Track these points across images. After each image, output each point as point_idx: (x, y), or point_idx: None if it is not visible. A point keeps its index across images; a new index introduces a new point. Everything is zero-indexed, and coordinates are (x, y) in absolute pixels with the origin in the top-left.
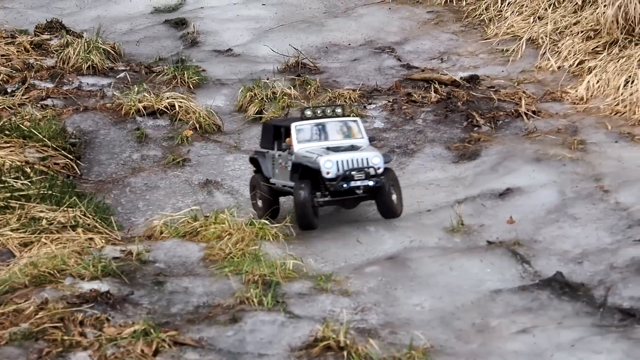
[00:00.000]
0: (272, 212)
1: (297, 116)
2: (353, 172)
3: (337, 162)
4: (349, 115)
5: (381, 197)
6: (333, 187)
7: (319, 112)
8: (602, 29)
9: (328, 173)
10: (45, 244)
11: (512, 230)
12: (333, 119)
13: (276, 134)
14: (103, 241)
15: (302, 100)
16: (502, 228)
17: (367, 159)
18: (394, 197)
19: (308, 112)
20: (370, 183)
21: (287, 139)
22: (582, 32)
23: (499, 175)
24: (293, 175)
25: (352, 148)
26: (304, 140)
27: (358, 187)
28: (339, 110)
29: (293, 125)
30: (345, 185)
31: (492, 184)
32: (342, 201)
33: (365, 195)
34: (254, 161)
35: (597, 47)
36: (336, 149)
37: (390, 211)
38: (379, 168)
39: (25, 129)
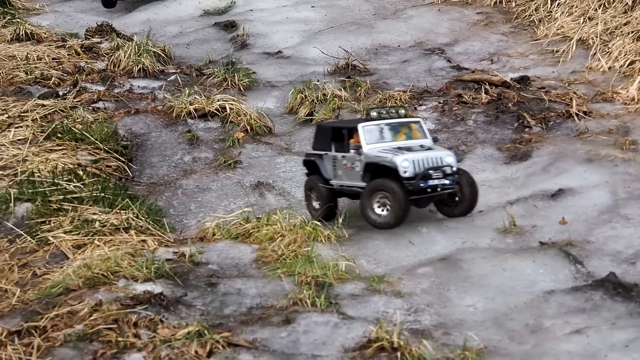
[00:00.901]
0: (329, 214)
1: (350, 118)
2: (430, 171)
3: (413, 161)
4: (410, 117)
5: (458, 194)
6: (412, 186)
7: (383, 112)
8: None
9: (406, 172)
10: (99, 246)
11: (565, 230)
12: (399, 120)
13: (335, 135)
14: (156, 243)
15: (353, 102)
16: (555, 229)
17: (441, 158)
18: (468, 195)
19: (374, 113)
20: (447, 182)
21: (352, 140)
22: (632, 32)
23: (550, 176)
24: (365, 175)
25: (423, 148)
26: (372, 141)
27: (437, 186)
28: (402, 111)
29: (361, 126)
30: (423, 184)
31: (544, 185)
32: (417, 200)
33: (442, 194)
34: (309, 163)
35: None
36: (408, 149)
37: (465, 210)
38: (453, 167)
39: (78, 131)
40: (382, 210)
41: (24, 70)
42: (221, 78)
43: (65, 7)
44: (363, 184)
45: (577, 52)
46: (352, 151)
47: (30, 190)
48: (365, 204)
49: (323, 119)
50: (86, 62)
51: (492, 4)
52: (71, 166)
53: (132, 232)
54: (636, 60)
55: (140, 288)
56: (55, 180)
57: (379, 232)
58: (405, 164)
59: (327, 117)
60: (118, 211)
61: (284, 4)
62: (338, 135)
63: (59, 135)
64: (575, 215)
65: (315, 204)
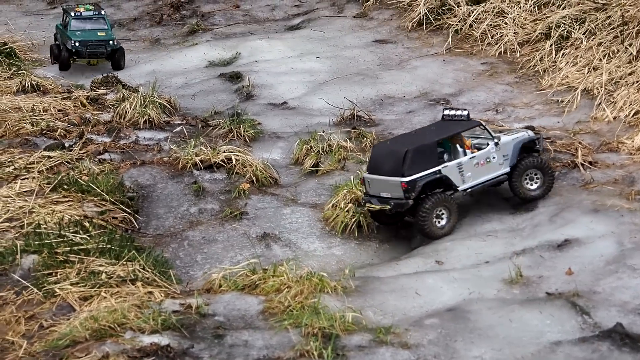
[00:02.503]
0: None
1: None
2: None
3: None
4: None
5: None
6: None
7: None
8: None
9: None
10: (105, 297)
11: (571, 281)
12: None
13: (442, 147)
14: (162, 295)
15: (359, 153)
16: (561, 279)
17: None
18: None
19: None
20: None
21: (466, 142)
22: (637, 82)
23: (556, 227)
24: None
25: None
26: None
27: None
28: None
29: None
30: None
31: (550, 235)
32: None
33: None
34: (430, 184)
35: None
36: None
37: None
38: None
39: (84, 183)
40: (532, 185)
41: (30, 122)
42: (227, 129)
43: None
44: (504, 171)
45: (582, 102)
46: (489, 147)
47: (36, 242)
48: (517, 183)
49: (329, 169)
50: (92, 113)
51: (497, 54)
52: (77, 218)
53: (139, 283)
54: None
55: (147, 340)
56: (62, 232)
57: (385, 283)
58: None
59: (332, 168)
60: (124, 263)
61: (289, 55)
62: (445, 146)
63: (65, 186)
64: (582, 266)
65: (442, 221)
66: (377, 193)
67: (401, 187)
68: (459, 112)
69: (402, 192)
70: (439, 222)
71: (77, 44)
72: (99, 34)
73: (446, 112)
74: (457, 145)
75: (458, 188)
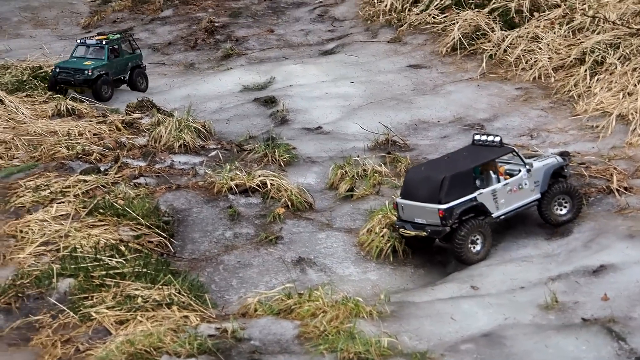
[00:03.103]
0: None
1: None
2: None
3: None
4: None
5: None
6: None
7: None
8: None
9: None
10: (141, 321)
11: (607, 307)
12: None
13: (477, 173)
14: (198, 319)
15: (393, 178)
16: (597, 305)
17: None
18: None
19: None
20: None
21: (500, 169)
22: None
23: (592, 252)
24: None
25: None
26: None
27: None
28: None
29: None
30: None
31: (585, 261)
32: None
33: None
34: (468, 210)
35: None
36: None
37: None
38: None
39: (119, 207)
40: (561, 210)
41: (65, 146)
42: (262, 154)
43: None
44: (535, 197)
45: (616, 128)
46: (521, 173)
47: (72, 266)
48: (546, 209)
49: (364, 194)
50: (127, 137)
51: (531, 79)
52: (113, 242)
53: (175, 307)
54: None
55: None
56: (98, 256)
57: (421, 308)
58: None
59: (367, 193)
60: (160, 287)
61: (323, 79)
62: (477, 172)
63: (100, 210)
64: (618, 292)
65: (477, 247)
66: (411, 218)
67: (438, 215)
68: (491, 138)
69: (439, 219)
70: (474, 247)
71: (56, 69)
72: (84, 62)
73: (477, 136)
74: (491, 172)
75: (492, 214)
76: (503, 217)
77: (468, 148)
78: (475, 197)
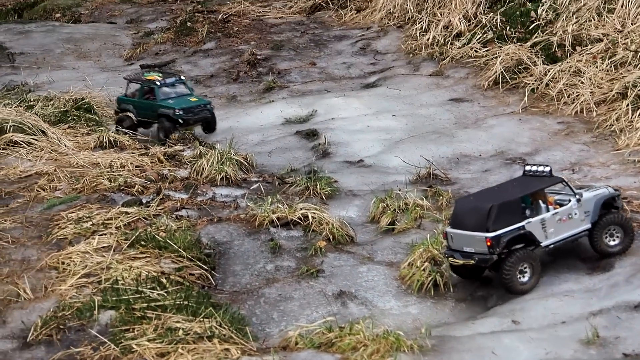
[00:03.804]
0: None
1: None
2: None
3: None
4: None
5: None
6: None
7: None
8: None
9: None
10: (182, 354)
11: None
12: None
13: (523, 202)
14: (239, 352)
15: (435, 212)
16: (638, 340)
17: None
18: None
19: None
20: None
21: (550, 198)
22: None
23: (633, 287)
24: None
25: None
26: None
27: None
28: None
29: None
30: None
31: (627, 296)
32: None
33: None
34: (518, 238)
35: None
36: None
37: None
38: None
39: (161, 239)
40: (612, 241)
41: (107, 178)
42: (303, 187)
43: None
44: (585, 227)
45: None
46: (571, 203)
47: (114, 298)
48: (597, 239)
49: (405, 228)
50: (169, 170)
51: (573, 113)
52: (155, 274)
53: (216, 340)
54: None
55: None
56: (139, 288)
57: (461, 342)
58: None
59: (409, 227)
60: (201, 319)
61: (365, 112)
62: (526, 201)
63: (142, 243)
64: None
65: (525, 277)
66: (460, 247)
67: (485, 243)
68: (541, 168)
69: (487, 247)
70: (522, 277)
71: (179, 111)
72: (190, 99)
73: (528, 167)
74: (540, 201)
75: (541, 244)
76: (552, 246)
77: (518, 179)
78: (523, 226)
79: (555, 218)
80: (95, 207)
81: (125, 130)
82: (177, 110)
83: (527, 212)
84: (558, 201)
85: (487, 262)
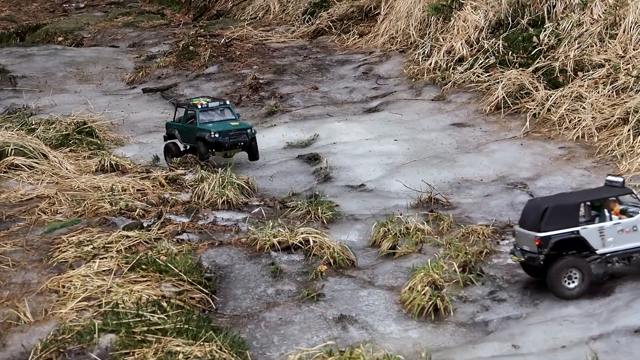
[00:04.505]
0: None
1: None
2: None
3: None
4: None
5: None
6: None
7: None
8: None
9: None
10: None
11: None
12: None
13: (597, 210)
14: None
15: (436, 236)
16: None
17: None
18: None
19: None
20: None
21: (614, 208)
22: None
23: (634, 312)
24: None
25: None
26: None
27: None
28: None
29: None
30: None
31: (627, 321)
32: None
33: None
34: (572, 243)
35: None
36: None
37: None
38: None
39: (162, 263)
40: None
41: (108, 201)
42: (304, 211)
43: (150, 138)
44: None
45: None
46: (638, 215)
47: (114, 322)
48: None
49: (406, 252)
50: (170, 193)
51: (575, 138)
52: (155, 297)
53: None
54: None
55: None
56: (140, 312)
57: None
58: None
59: (410, 251)
60: (202, 343)
61: (367, 137)
62: (593, 208)
63: (143, 266)
64: None
65: (573, 283)
66: (521, 245)
67: (535, 242)
68: (617, 179)
69: (536, 247)
70: (570, 283)
71: (215, 134)
72: (232, 123)
73: (609, 177)
74: (605, 210)
75: (596, 251)
76: (611, 256)
77: (597, 188)
78: (577, 231)
79: (616, 228)
80: (96, 231)
81: (171, 164)
82: (212, 133)
83: (597, 220)
84: (631, 212)
85: (534, 261)
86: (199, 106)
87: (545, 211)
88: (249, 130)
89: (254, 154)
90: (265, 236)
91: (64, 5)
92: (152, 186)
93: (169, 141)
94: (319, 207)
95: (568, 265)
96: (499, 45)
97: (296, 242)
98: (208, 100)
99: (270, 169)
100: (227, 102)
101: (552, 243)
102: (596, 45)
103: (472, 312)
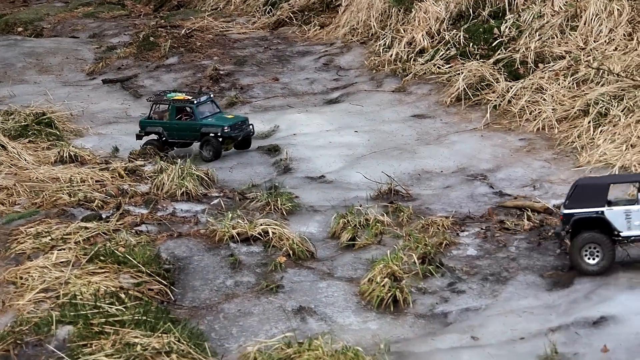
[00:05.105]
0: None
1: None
2: None
3: None
4: None
5: None
6: None
7: None
8: None
9: None
10: None
11: (606, 359)
12: None
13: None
14: None
15: (395, 227)
16: (596, 357)
17: None
18: None
19: None
20: None
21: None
22: None
23: (592, 304)
24: None
25: None
26: None
27: None
28: None
29: None
30: None
31: (586, 312)
32: None
33: None
34: (595, 222)
35: None
36: None
37: None
38: None
39: (120, 254)
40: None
41: (67, 193)
42: (264, 202)
43: (109, 129)
44: None
45: None
46: None
47: (72, 313)
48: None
49: (365, 244)
50: (130, 185)
51: (535, 130)
52: (113, 289)
53: (174, 356)
54: None
55: None
56: (98, 303)
57: (421, 358)
58: None
59: (369, 242)
60: (160, 335)
61: (327, 128)
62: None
63: (101, 258)
64: (617, 343)
65: (594, 260)
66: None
67: (560, 218)
68: None
69: (561, 222)
70: (591, 259)
71: (226, 128)
72: (227, 117)
73: None
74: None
75: (620, 233)
76: (635, 240)
77: None
78: (602, 212)
79: None
80: (54, 222)
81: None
82: (225, 128)
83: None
84: None
85: (559, 237)
86: (194, 101)
87: (574, 189)
88: (247, 122)
89: (249, 143)
90: (225, 227)
91: None
92: (111, 177)
93: (148, 139)
94: (279, 199)
95: (587, 240)
96: (460, 36)
97: (255, 233)
98: (182, 94)
99: (230, 161)
100: (212, 95)
101: (573, 221)
102: (557, 37)
103: (431, 303)
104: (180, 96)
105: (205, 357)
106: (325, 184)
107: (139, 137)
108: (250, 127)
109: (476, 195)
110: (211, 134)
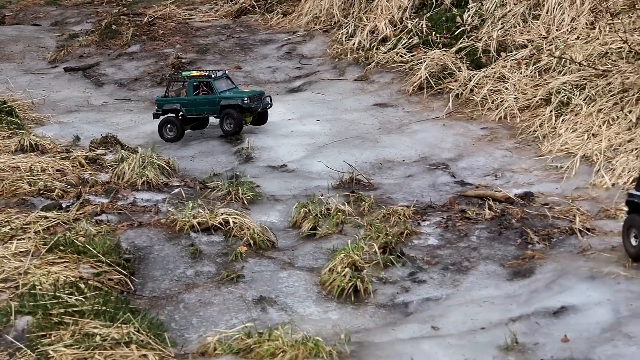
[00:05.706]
0: None
1: None
2: None
3: None
4: None
5: None
6: None
7: None
8: None
9: None
10: None
11: (567, 348)
12: None
13: None
14: (157, 358)
15: (357, 217)
16: (557, 346)
17: None
18: None
19: None
20: None
21: None
22: (636, 149)
23: (553, 293)
24: None
25: None
26: None
27: None
28: None
29: None
30: None
31: (547, 302)
32: None
33: None
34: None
35: None
36: None
37: None
38: None
39: (80, 244)
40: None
41: (27, 182)
42: (225, 191)
43: (71, 117)
44: None
45: (581, 169)
46: None
47: (31, 303)
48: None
49: (327, 233)
50: (90, 174)
51: (497, 119)
52: (73, 279)
53: (133, 346)
54: None
55: None
56: (57, 294)
57: (381, 349)
58: None
59: (330, 232)
60: (119, 325)
61: (289, 117)
62: None
63: (61, 247)
64: (578, 333)
65: (634, 241)
66: None
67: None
68: None
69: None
70: (634, 240)
71: (246, 99)
72: (245, 91)
73: None
74: None
75: None
76: None
77: None
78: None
79: None
80: (14, 211)
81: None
82: (245, 99)
83: None
84: None
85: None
86: (212, 75)
87: None
88: (264, 94)
89: (265, 119)
90: (185, 217)
91: None
92: (72, 166)
93: (167, 116)
94: (240, 188)
95: (627, 223)
96: (422, 25)
97: (216, 223)
98: (197, 72)
99: (192, 149)
100: (226, 71)
101: (629, 202)
102: (519, 26)
103: (392, 293)
104: (195, 73)
105: (165, 348)
106: (287, 173)
107: (155, 115)
108: (268, 99)
109: (438, 184)
110: (231, 107)
